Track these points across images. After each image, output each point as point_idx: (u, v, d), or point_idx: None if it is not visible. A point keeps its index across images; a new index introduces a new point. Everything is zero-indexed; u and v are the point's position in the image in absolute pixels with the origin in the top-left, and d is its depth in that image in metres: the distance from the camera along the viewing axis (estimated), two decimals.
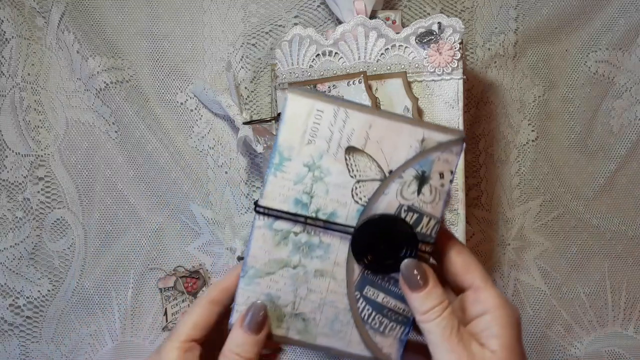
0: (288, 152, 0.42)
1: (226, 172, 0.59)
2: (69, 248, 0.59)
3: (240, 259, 0.56)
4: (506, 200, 0.59)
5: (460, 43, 0.50)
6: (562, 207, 0.59)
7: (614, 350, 0.58)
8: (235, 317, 0.42)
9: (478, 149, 0.58)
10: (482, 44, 0.58)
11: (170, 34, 0.58)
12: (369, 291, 0.42)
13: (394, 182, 0.42)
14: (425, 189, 0.42)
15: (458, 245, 0.42)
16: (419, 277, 0.40)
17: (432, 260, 0.42)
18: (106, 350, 0.59)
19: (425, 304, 0.39)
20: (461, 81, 0.50)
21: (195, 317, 0.41)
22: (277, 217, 0.42)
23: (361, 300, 0.43)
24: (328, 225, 0.42)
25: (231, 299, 0.43)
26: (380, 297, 0.42)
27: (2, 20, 0.56)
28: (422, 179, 0.42)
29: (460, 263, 0.41)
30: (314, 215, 0.42)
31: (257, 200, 0.42)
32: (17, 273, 0.58)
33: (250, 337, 0.40)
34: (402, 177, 0.42)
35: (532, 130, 0.58)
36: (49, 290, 0.58)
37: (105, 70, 0.57)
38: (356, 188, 0.42)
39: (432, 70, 0.50)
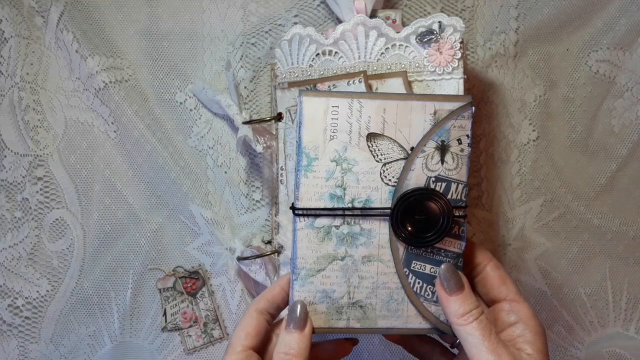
0: (314, 152, 0.43)
1: (225, 172, 0.58)
2: (67, 248, 0.58)
3: (239, 259, 0.55)
4: (507, 201, 0.58)
5: (461, 42, 0.50)
6: (563, 207, 0.59)
7: (615, 351, 0.58)
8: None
9: (479, 148, 0.58)
10: (483, 44, 0.58)
11: (170, 33, 0.58)
12: (416, 265, 0.44)
13: (417, 157, 0.43)
14: (448, 157, 0.43)
15: (494, 261, 0.45)
16: (456, 281, 0.42)
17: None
18: (105, 350, 0.59)
19: (464, 306, 0.41)
20: (462, 81, 0.50)
21: (245, 327, 0.43)
22: (317, 215, 0.43)
23: (410, 275, 0.44)
24: (365, 212, 0.43)
25: (276, 308, 0.45)
26: (428, 269, 0.44)
27: (1, 20, 0.56)
28: (443, 149, 0.43)
29: (497, 277, 0.44)
30: (350, 205, 0.43)
31: (293, 204, 0.43)
32: (15, 273, 0.58)
33: (295, 335, 0.41)
34: (425, 151, 0.43)
35: (533, 130, 0.58)
36: (47, 291, 0.58)
37: (104, 69, 0.56)
38: (384, 171, 0.44)
39: (432, 70, 0.50)
